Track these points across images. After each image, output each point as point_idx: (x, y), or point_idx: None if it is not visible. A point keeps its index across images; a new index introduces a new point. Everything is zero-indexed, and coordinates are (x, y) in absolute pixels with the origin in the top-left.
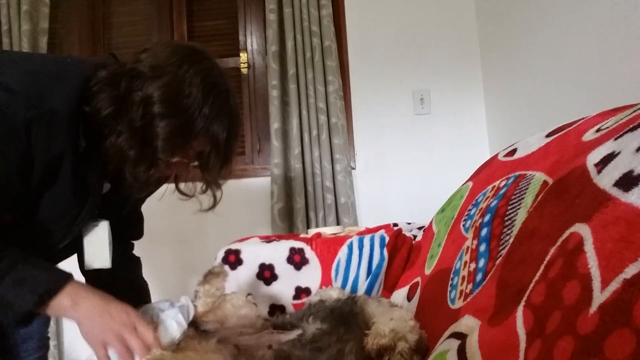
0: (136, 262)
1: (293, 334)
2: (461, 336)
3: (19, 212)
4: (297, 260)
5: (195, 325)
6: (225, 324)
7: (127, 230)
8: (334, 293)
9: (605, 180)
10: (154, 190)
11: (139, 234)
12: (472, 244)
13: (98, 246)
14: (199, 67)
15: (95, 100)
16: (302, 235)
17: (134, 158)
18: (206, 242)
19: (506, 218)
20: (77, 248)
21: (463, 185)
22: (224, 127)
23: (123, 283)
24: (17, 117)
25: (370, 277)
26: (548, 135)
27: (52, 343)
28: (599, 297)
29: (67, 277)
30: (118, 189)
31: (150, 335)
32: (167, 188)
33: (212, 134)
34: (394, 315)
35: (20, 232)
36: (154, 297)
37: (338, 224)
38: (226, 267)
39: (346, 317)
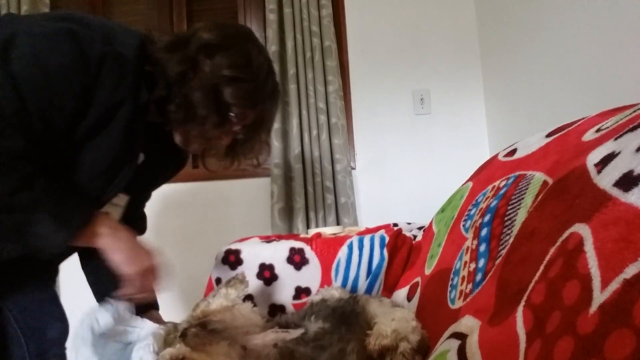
0: None
1: (297, 333)
2: (461, 336)
3: (56, 158)
4: (297, 260)
5: (202, 323)
6: (232, 323)
7: (132, 227)
8: (335, 292)
9: (605, 180)
10: (172, 176)
11: (142, 231)
12: (472, 244)
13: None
14: (260, 47)
15: (163, 65)
16: (302, 235)
17: (204, 116)
18: (206, 242)
19: (506, 218)
20: None
21: (463, 185)
22: (276, 104)
23: None
24: (93, 49)
25: (370, 277)
26: (548, 135)
27: None
28: (599, 297)
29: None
30: (151, 162)
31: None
32: (168, 188)
33: (267, 107)
34: (395, 316)
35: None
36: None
37: (338, 224)
38: (226, 267)
39: (348, 317)
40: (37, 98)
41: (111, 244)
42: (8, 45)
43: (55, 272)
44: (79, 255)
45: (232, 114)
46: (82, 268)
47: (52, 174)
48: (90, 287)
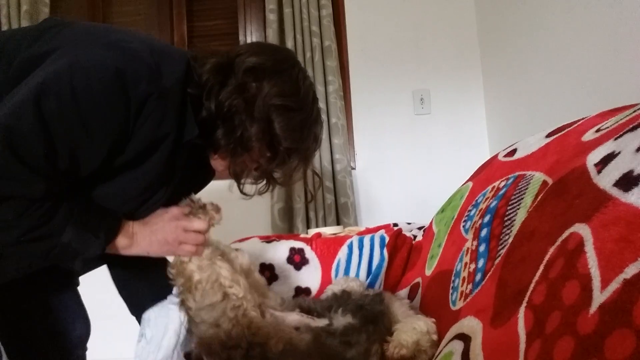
0: None
1: (320, 322)
2: (464, 338)
3: (83, 184)
4: (297, 260)
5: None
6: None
7: None
8: (354, 284)
9: (605, 180)
10: (201, 189)
11: None
12: (472, 245)
13: None
14: (305, 71)
15: (210, 90)
16: (302, 235)
17: (257, 149)
18: None
19: (506, 218)
20: None
21: (463, 185)
22: (321, 129)
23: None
24: (138, 89)
25: (370, 277)
26: (548, 136)
27: None
28: (599, 297)
29: (118, 217)
30: (184, 178)
31: (198, 223)
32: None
33: (313, 132)
34: (417, 326)
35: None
36: None
37: (338, 224)
38: None
39: (375, 316)
40: (68, 139)
41: (135, 251)
42: (45, 76)
43: (78, 272)
44: (108, 267)
45: (282, 147)
46: (113, 280)
47: (77, 193)
48: (124, 300)
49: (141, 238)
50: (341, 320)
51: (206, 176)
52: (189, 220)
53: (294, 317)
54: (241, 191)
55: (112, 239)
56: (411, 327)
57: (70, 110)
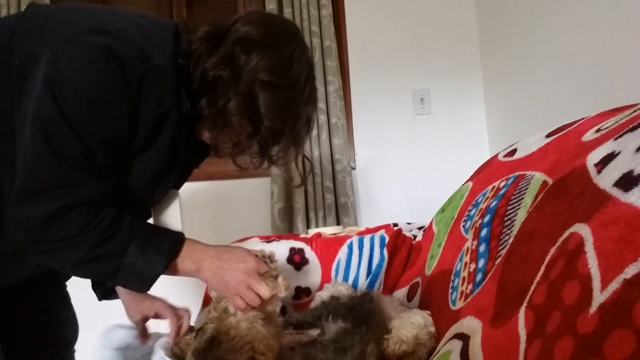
0: None
1: (312, 334)
2: (463, 337)
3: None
4: (297, 260)
5: (212, 338)
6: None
7: None
8: (342, 288)
9: (605, 180)
10: (200, 162)
11: None
12: (472, 245)
13: (169, 217)
14: (303, 47)
15: (197, 58)
16: (302, 235)
17: (237, 123)
18: (206, 242)
19: (506, 218)
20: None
21: (463, 185)
22: (314, 110)
23: None
24: (132, 69)
25: (370, 277)
26: (548, 136)
27: None
28: (599, 297)
29: (182, 235)
30: (187, 157)
31: (265, 289)
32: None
33: (303, 114)
34: (415, 320)
35: None
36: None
37: (338, 224)
38: None
39: (367, 316)
40: (95, 132)
41: (198, 276)
42: (50, 78)
43: (66, 276)
44: None
45: (264, 126)
46: None
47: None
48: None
49: (208, 268)
50: (332, 327)
51: (205, 150)
52: (257, 281)
53: (287, 339)
54: (217, 155)
55: (174, 257)
56: (409, 322)
57: (84, 105)
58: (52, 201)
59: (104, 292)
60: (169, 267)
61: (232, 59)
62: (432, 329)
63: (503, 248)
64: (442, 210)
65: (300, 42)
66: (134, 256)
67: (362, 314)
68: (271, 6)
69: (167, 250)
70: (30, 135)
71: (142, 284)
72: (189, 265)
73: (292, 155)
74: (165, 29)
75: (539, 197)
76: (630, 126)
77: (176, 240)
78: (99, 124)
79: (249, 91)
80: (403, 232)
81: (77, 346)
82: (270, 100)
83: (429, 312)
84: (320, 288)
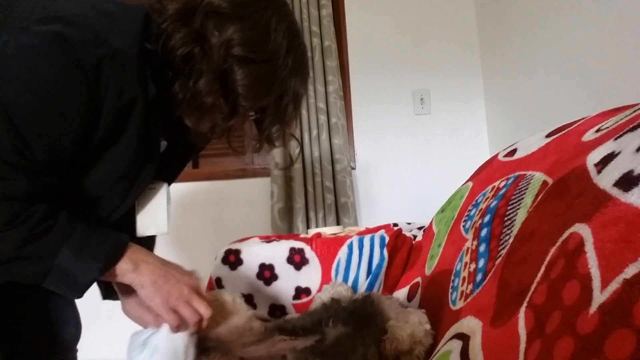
0: None
1: (310, 340)
2: (463, 337)
3: (67, 177)
4: (297, 260)
5: (199, 344)
6: (229, 336)
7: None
8: (342, 289)
9: (605, 180)
10: (203, 147)
11: None
12: (472, 244)
13: (154, 210)
14: (283, 13)
15: (166, 38)
16: (302, 235)
17: (212, 105)
18: (206, 242)
19: (506, 218)
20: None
21: (463, 185)
22: (302, 82)
23: None
24: (86, 55)
25: (370, 277)
26: (548, 136)
27: None
28: (599, 297)
29: (125, 239)
30: (175, 147)
31: (206, 308)
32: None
33: (288, 87)
34: (410, 319)
35: (64, 205)
36: None
37: (338, 224)
38: (226, 267)
39: (367, 319)
40: (37, 127)
41: (134, 279)
42: None
43: None
44: None
45: (241, 105)
46: None
47: (66, 189)
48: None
49: (148, 272)
50: (333, 332)
51: (192, 142)
52: (200, 299)
53: (278, 346)
54: (232, 148)
55: (113, 264)
56: (404, 321)
57: (26, 98)
58: None
59: (107, 292)
60: (105, 273)
61: (201, 35)
62: (427, 326)
63: (503, 248)
64: (442, 210)
65: (279, 8)
66: (66, 259)
67: (363, 317)
68: None
69: (104, 254)
70: None
71: (74, 290)
72: (125, 266)
73: (280, 134)
74: (134, 11)
75: (539, 197)
76: (630, 126)
77: (118, 243)
78: (43, 118)
79: (222, 68)
80: (403, 232)
81: (80, 345)
82: (246, 76)
83: (424, 310)
84: (320, 288)
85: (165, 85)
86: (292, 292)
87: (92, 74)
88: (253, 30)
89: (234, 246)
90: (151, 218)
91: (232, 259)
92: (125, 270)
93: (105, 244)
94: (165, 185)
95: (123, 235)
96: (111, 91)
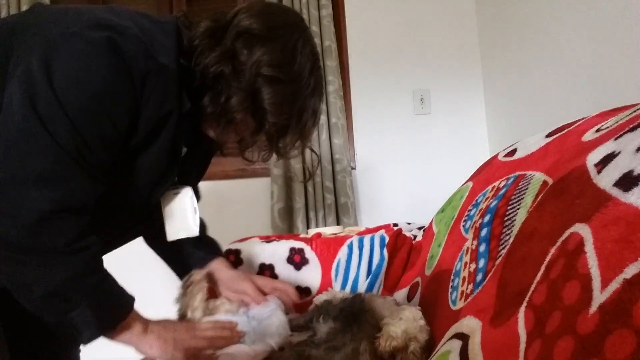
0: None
1: (303, 335)
2: (463, 337)
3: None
4: (297, 260)
5: None
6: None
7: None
8: (339, 293)
9: (605, 180)
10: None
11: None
12: (472, 244)
13: (180, 214)
14: (307, 37)
15: (199, 55)
16: (302, 235)
17: (241, 120)
18: None
19: (506, 218)
20: (150, 221)
21: (463, 185)
22: (320, 100)
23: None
24: (135, 64)
25: (370, 277)
26: (548, 136)
27: None
28: (599, 297)
29: (130, 303)
30: (195, 153)
31: (212, 332)
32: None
33: (309, 105)
34: (403, 315)
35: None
36: (153, 296)
37: (338, 224)
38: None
39: (357, 315)
40: (95, 128)
41: (141, 340)
42: (49, 67)
43: None
44: (144, 239)
45: (269, 121)
46: (153, 248)
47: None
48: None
49: (156, 330)
50: (323, 327)
51: (209, 148)
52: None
53: (277, 340)
54: (222, 153)
55: (123, 319)
56: (397, 318)
57: (84, 98)
58: (46, 196)
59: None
60: (110, 332)
61: (233, 54)
62: (422, 322)
63: (503, 248)
64: (442, 210)
65: (303, 32)
66: (83, 311)
67: (351, 313)
68: None
69: (113, 316)
70: (24, 120)
71: (78, 335)
72: (139, 328)
73: (299, 148)
74: (166, 26)
75: (539, 197)
76: (630, 126)
77: (123, 308)
78: (100, 119)
79: (252, 87)
80: (403, 232)
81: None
82: (274, 95)
83: (419, 307)
84: (321, 288)
85: (194, 99)
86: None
87: (138, 83)
88: (282, 52)
89: (234, 246)
90: (179, 222)
91: (232, 258)
92: (134, 330)
93: (119, 304)
94: (188, 189)
95: (130, 298)
96: (153, 102)
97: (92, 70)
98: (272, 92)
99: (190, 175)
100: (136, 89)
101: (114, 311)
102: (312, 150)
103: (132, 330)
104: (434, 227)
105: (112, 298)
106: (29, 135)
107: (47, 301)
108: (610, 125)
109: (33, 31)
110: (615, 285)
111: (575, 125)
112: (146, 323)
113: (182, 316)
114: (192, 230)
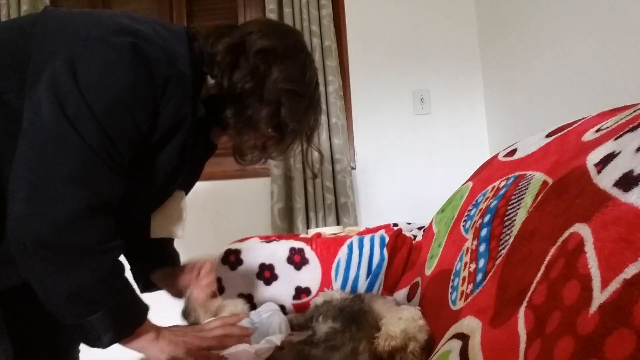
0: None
1: (303, 335)
2: (463, 337)
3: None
4: (297, 260)
5: None
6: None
7: None
8: (336, 294)
9: (605, 180)
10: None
11: None
12: (472, 244)
13: (169, 215)
14: (312, 57)
15: (224, 72)
16: (302, 235)
17: (266, 133)
18: (206, 242)
19: (506, 218)
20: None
21: (463, 185)
22: (320, 112)
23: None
24: (158, 70)
25: (370, 277)
26: (548, 136)
27: None
28: (599, 297)
29: (147, 310)
30: (193, 159)
31: (221, 330)
32: None
33: (317, 114)
34: (402, 315)
35: None
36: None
37: (338, 224)
38: (226, 267)
39: (357, 315)
40: (121, 129)
41: (154, 346)
42: (75, 71)
43: None
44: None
45: (288, 129)
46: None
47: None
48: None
49: (167, 335)
50: (323, 327)
51: (212, 146)
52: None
53: (279, 338)
54: (237, 161)
55: (138, 326)
56: (396, 318)
57: (111, 100)
58: (78, 195)
59: (147, 284)
60: (126, 338)
61: (256, 71)
62: (421, 322)
63: (503, 248)
64: (442, 210)
65: (308, 50)
66: (102, 316)
67: (351, 313)
68: (271, 6)
69: (129, 327)
70: (53, 122)
71: (93, 342)
72: (151, 336)
73: (306, 149)
74: (179, 35)
75: (539, 197)
76: (630, 126)
77: (140, 314)
78: (125, 120)
79: (276, 100)
80: (403, 232)
81: (82, 346)
82: (294, 107)
83: (418, 307)
84: (321, 288)
85: (206, 107)
86: (292, 292)
87: (159, 88)
88: (297, 68)
89: (234, 246)
90: (166, 222)
91: (232, 258)
92: (151, 338)
93: (136, 311)
94: (182, 193)
95: (145, 307)
96: (171, 107)
97: (117, 74)
98: (292, 104)
99: (185, 180)
100: (157, 93)
101: (133, 317)
102: (318, 150)
103: (145, 337)
104: (434, 227)
105: (131, 304)
106: (59, 137)
107: (72, 302)
108: (610, 125)
109: (51, 35)
110: (615, 285)
111: (575, 125)
112: (158, 330)
113: (193, 323)
114: (175, 233)
